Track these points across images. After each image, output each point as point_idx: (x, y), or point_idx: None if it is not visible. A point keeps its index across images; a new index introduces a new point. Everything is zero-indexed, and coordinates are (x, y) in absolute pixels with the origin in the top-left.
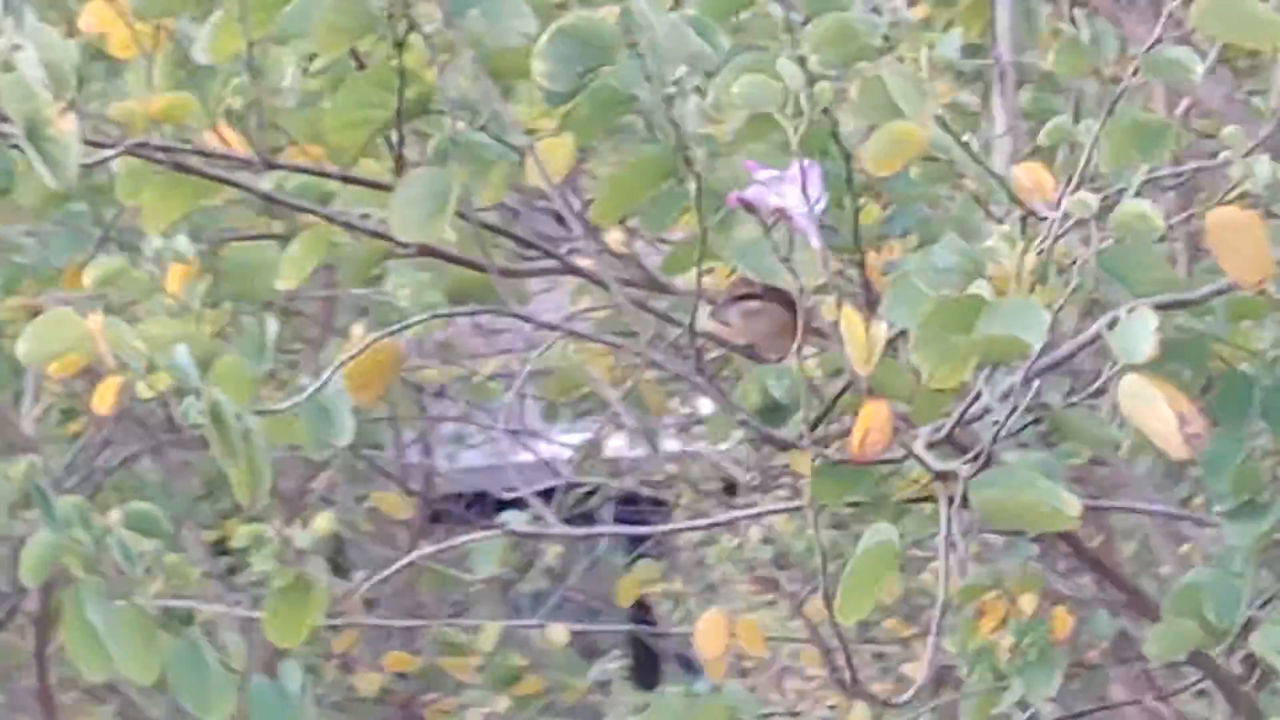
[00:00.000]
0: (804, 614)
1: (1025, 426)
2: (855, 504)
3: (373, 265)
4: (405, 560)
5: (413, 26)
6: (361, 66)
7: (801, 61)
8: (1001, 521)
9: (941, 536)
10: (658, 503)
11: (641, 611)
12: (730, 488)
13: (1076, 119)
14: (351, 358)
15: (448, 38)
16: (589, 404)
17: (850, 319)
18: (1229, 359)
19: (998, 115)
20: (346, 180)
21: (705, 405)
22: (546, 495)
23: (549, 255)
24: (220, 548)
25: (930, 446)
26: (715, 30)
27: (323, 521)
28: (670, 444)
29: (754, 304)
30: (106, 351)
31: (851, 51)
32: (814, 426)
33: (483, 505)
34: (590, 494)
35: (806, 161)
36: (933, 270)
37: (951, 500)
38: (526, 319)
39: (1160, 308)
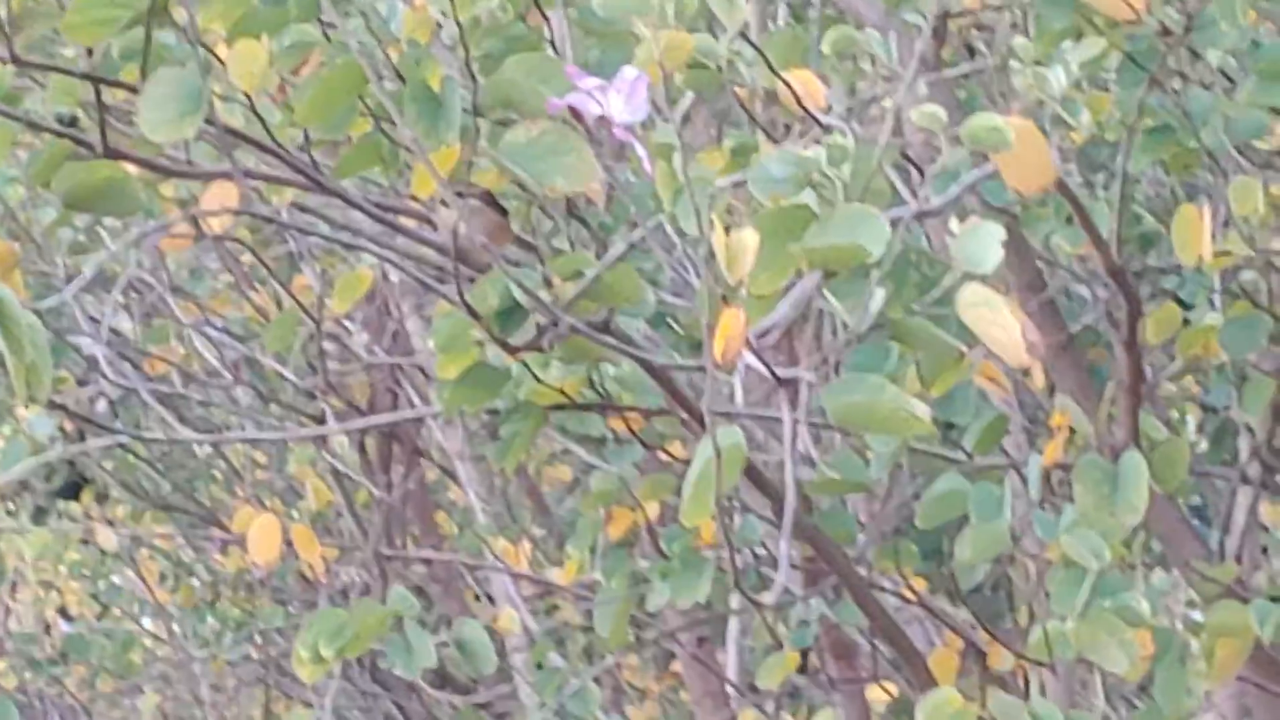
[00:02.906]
0: None
1: (869, 332)
2: (493, 411)
3: (59, 165)
4: None
5: None
6: None
7: None
8: (854, 428)
9: (786, 443)
10: None
11: None
12: None
13: None
14: None
15: None
16: None
17: (718, 228)
18: None
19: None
20: (89, 79)
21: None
22: None
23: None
24: None
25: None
26: None
27: None
28: None
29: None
30: None
31: None
32: (543, 332)
33: None
34: None
35: (634, 72)
36: (767, 179)
37: (794, 407)
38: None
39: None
